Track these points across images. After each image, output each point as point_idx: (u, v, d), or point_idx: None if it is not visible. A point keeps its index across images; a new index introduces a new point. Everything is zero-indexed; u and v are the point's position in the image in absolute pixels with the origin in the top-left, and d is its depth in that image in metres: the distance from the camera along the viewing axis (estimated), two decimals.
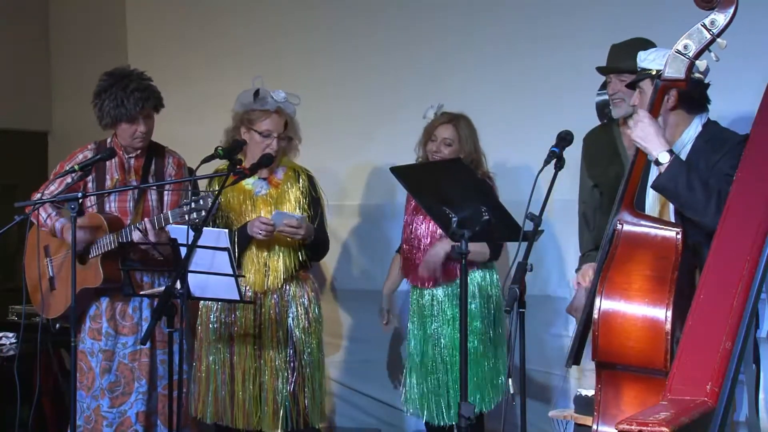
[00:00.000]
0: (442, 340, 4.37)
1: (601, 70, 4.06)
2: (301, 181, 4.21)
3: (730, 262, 2.56)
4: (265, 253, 4.13)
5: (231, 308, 4.14)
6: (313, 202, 4.22)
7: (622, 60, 3.95)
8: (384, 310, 4.70)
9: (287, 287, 4.16)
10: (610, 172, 4.01)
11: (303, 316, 4.16)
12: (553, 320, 4.64)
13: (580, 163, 4.12)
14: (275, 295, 4.14)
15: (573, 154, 4.08)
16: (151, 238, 3.87)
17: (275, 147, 4.11)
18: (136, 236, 3.90)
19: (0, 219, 3.91)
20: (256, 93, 4.11)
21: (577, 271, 4.28)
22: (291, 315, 4.14)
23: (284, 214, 4.06)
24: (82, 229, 3.96)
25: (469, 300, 4.32)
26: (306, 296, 4.20)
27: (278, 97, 4.13)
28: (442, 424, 4.38)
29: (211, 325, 4.16)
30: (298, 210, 4.15)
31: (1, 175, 6.82)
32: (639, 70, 3.22)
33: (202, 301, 4.16)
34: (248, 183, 4.16)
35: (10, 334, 5.12)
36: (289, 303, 4.16)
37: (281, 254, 4.13)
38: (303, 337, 4.15)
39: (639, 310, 2.75)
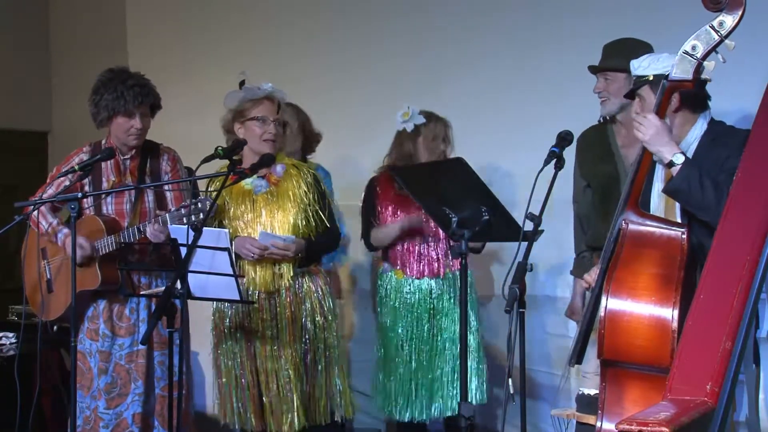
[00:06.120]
0: (423, 334, 4.40)
1: (590, 69, 4.08)
2: (303, 176, 4.12)
3: (730, 262, 2.56)
4: None
5: (246, 311, 4.06)
6: (320, 196, 4.15)
7: (610, 59, 3.97)
8: None
9: (300, 283, 4.09)
10: (600, 170, 4.01)
11: (318, 311, 4.09)
12: (553, 320, 4.64)
13: (574, 164, 4.12)
14: (290, 293, 4.07)
15: (573, 154, 4.09)
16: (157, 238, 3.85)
17: (273, 131, 4.04)
18: (149, 231, 3.85)
19: (0, 219, 3.91)
20: (242, 83, 4.08)
21: (571, 272, 4.28)
22: (305, 311, 4.07)
23: (270, 235, 3.98)
24: (84, 239, 3.95)
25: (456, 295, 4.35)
26: (319, 290, 4.13)
27: (265, 87, 4.10)
28: (420, 420, 4.40)
29: (226, 330, 4.09)
30: (299, 207, 4.06)
31: (1, 175, 6.83)
32: (634, 78, 3.20)
33: (214, 306, 4.12)
34: (247, 182, 4.08)
35: (10, 334, 5.12)
36: (303, 299, 4.08)
37: None
38: (317, 332, 4.08)
39: (646, 309, 2.75)
